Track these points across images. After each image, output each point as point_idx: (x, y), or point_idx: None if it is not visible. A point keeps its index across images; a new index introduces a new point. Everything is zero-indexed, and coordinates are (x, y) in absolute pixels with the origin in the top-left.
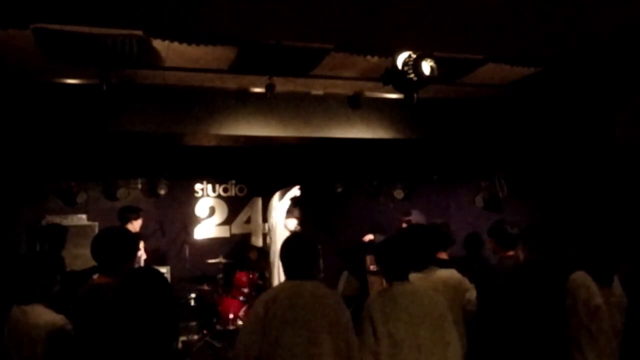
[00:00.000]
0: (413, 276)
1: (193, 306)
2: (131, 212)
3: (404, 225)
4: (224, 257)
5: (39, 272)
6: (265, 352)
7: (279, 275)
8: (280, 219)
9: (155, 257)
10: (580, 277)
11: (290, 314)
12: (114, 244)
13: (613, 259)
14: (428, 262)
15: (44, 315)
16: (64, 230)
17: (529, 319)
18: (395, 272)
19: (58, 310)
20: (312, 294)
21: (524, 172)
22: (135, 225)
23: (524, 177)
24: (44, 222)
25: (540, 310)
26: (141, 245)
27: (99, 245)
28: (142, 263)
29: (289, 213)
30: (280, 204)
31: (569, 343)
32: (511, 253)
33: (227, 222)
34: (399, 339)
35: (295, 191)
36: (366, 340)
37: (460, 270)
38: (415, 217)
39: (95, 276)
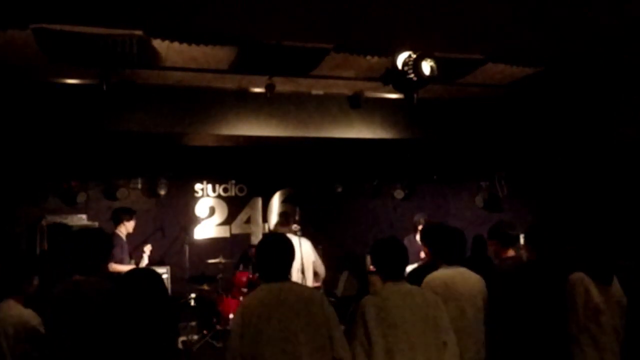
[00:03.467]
0: (449, 271)
1: (193, 306)
2: (124, 213)
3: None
4: (224, 257)
5: (10, 269)
6: (247, 355)
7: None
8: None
9: (155, 257)
10: (579, 277)
11: (268, 318)
12: (89, 246)
13: (612, 259)
14: (456, 260)
15: (12, 310)
16: (68, 229)
17: (530, 319)
18: (390, 272)
19: (36, 308)
20: (289, 295)
21: (524, 172)
22: (128, 227)
23: (524, 177)
24: (44, 222)
25: (540, 310)
26: (147, 248)
27: (73, 247)
28: (144, 265)
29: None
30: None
31: (569, 343)
32: (511, 254)
33: (227, 222)
34: (392, 340)
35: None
36: (359, 341)
37: None
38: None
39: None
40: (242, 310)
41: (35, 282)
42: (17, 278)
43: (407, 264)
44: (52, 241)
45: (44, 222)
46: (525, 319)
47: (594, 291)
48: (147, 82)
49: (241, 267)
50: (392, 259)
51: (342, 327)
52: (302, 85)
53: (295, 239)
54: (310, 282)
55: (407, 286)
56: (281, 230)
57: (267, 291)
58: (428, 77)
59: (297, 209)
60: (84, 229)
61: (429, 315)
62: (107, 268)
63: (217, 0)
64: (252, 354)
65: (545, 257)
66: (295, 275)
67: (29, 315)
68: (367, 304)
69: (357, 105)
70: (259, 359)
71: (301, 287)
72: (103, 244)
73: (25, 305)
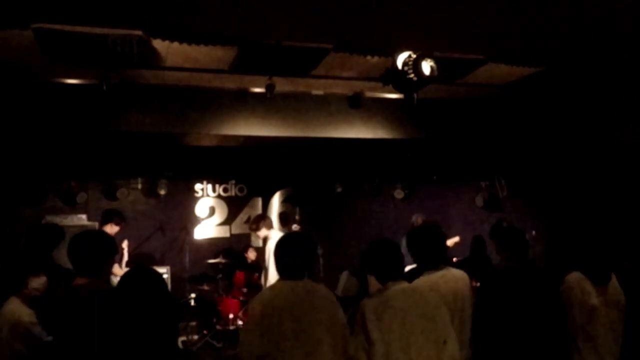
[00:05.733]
0: (428, 276)
1: (193, 306)
2: (116, 216)
3: None
4: (224, 257)
5: (10, 269)
6: (266, 353)
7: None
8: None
9: (155, 257)
10: (575, 277)
11: (288, 315)
12: (90, 247)
13: (608, 258)
14: (441, 262)
15: (12, 308)
16: (59, 230)
17: (526, 319)
18: (388, 272)
19: (41, 308)
20: (307, 293)
21: (524, 172)
22: (112, 229)
23: (524, 177)
24: (44, 222)
25: (537, 310)
26: (124, 244)
27: (75, 248)
28: (123, 264)
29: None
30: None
31: (566, 343)
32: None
33: (227, 222)
34: (392, 340)
35: None
36: (360, 342)
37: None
38: (421, 219)
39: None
40: (261, 305)
41: (39, 280)
42: (15, 277)
43: (403, 262)
44: (44, 241)
45: (44, 222)
46: (522, 318)
47: (591, 291)
48: (147, 82)
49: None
50: (389, 260)
51: None
52: (302, 85)
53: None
54: None
55: (406, 285)
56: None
57: (285, 288)
58: (428, 77)
59: (297, 209)
60: (86, 231)
61: (429, 314)
62: (110, 271)
63: (217, 0)
64: (272, 349)
65: (515, 259)
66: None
67: (24, 314)
68: (367, 304)
69: (357, 105)
70: (276, 355)
71: (316, 285)
72: (106, 245)
73: (31, 307)
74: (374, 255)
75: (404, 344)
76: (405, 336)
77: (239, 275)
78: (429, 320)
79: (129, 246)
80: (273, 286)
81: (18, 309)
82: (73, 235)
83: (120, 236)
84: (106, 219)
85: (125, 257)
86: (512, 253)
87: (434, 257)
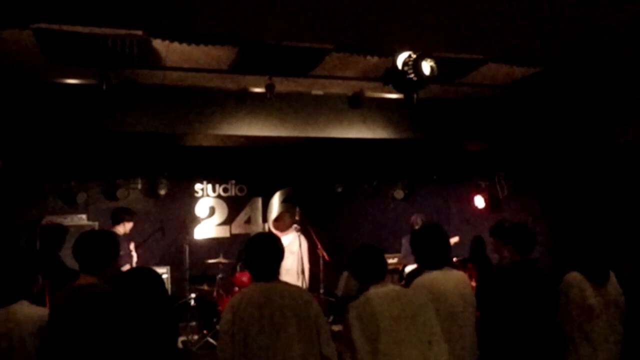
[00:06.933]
0: (429, 274)
1: (193, 306)
2: (125, 213)
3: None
4: (224, 257)
5: (21, 271)
6: (235, 355)
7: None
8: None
9: (155, 257)
10: (573, 277)
11: (257, 317)
12: (95, 245)
13: (606, 258)
14: (444, 262)
15: (32, 310)
16: (63, 230)
17: (524, 318)
18: (371, 275)
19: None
20: (278, 294)
21: (524, 172)
22: (126, 227)
23: (524, 177)
24: (44, 222)
25: (535, 309)
26: (132, 246)
27: (80, 247)
28: (133, 264)
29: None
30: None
31: (564, 342)
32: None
33: (227, 222)
34: (378, 343)
35: None
36: (348, 347)
37: (463, 271)
38: (420, 220)
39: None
40: (232, 309)
41: (40, 281)
42: (27, 280)
43: (386, 266)
44: (48, 241)
45: (44, 222)
46: (520, 317)
47: (589, 291)
48: (147, 82)
49: (238, 267)
50: (368, 264)
51: (339, 327)
52: (302, 85)
53: (296, 239)
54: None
55: (390, 287)
56: (281, 230)
57: (257, 291)
58: (428, 77)
59: (297, 209)
60: (91, 231)
61: (413, 315)
62: (115, 269)
63: (217, 0)
64: (243, 353)
65: (528, 257)
66: (295, 277)
67: (46, 316)
68: (351, 309)
69: (357, 105)
70: (250, 358)
71: (290, 286)
72: (111, 244)
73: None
74: (354, 261)
75: (393, 345)
76: (392, 337)
77: (239, 275)
78: (413, 320)
79: (137, 248)
80: (245, 289)
81: (43, 312)
82: (79, 234)
83: (136, 238)
84: (116, 220)
85: (135, 258)
86: (516, 248)
87: (436, 257)
